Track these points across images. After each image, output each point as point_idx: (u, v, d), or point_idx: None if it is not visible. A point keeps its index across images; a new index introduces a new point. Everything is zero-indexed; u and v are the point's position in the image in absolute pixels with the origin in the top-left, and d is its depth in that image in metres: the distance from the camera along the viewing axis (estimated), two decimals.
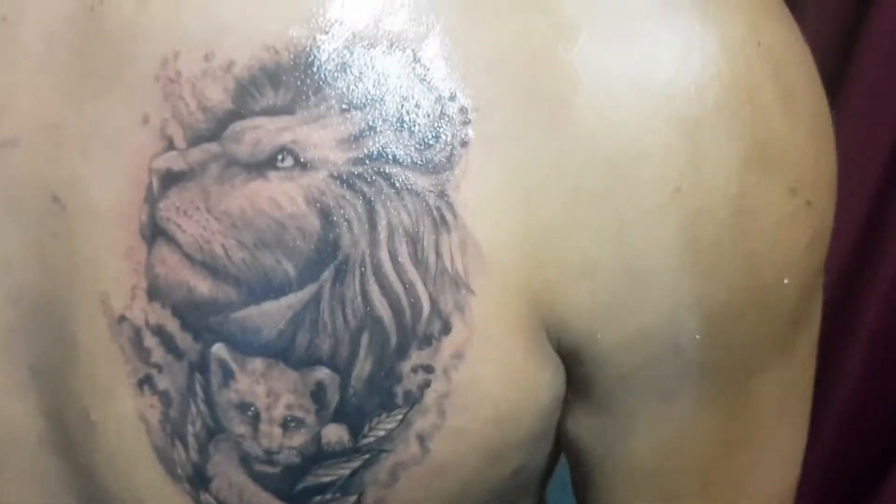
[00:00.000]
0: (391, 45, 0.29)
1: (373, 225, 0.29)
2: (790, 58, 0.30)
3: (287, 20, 0.29)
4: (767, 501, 0.36)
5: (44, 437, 0.34)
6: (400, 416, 0.29)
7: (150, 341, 0.30)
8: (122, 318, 0.31)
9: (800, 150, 0.29)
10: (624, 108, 0.28)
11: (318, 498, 0.31)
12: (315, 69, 0.29)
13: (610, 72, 0.28)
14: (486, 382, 0.29)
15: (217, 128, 0.29)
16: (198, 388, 0.30)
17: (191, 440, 0.30)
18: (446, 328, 0.29)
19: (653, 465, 0.34)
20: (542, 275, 0.29)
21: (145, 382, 0.31)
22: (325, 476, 0.30)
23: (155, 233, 0.30)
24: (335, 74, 0.29)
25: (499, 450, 0.31)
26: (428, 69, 0.29)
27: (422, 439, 0.30)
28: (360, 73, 0.29)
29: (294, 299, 0.29)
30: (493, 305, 0.29)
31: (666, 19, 0.28)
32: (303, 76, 0.29)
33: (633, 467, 0.34)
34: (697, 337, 0.30)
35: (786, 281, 0.30)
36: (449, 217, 0.28)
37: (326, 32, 0.29)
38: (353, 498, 0.31)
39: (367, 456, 0.30)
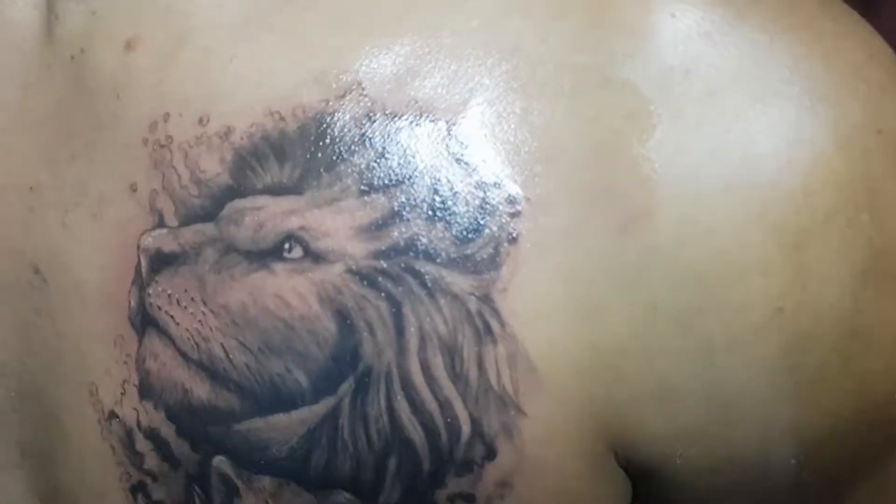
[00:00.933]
0: (420, 116, 0.24)
1: (400, 331, 0.24)
2: None
3: (295, 81, 0.24)
4: None
5: None
6: None
7: (142, 445, 0.27)
8: (113, 415, 0.27)
9: None
10: (714, 215, 0.22)
11: None
12: (328, 141, 0.24)
13: (697, 171, 0.22)
14: None
15: (213, 206, 0.25)
16: (197, 502, 0.26)
17: None
18: (490, 453, 0.24)
19: None
20: (608, 396, 0.24)
21: (139, 490, 0.27)
22: None
23: (145, 322, 0.26)
24: (352, 148, 0.24)
25: None
26: (465, 147, 0.23)
27: None
28: (383, 147, 0.24)
29: (308, 414, 0.25)
30: (548, 428, 0.24)
31: (767, 105, 0.23)
32: (313, 149, 0.24)
33: None
34: (793, 462, 0.25)
35: None
36: (495, 325, 0.23)
37: (342, 97, 0.24)
38: None
39: None
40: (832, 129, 0.23)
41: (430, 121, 0.24)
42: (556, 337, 0.23)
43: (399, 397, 0.24)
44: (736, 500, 0.27)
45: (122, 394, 0.26)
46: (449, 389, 0.24)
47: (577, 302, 0.23)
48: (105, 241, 0.26)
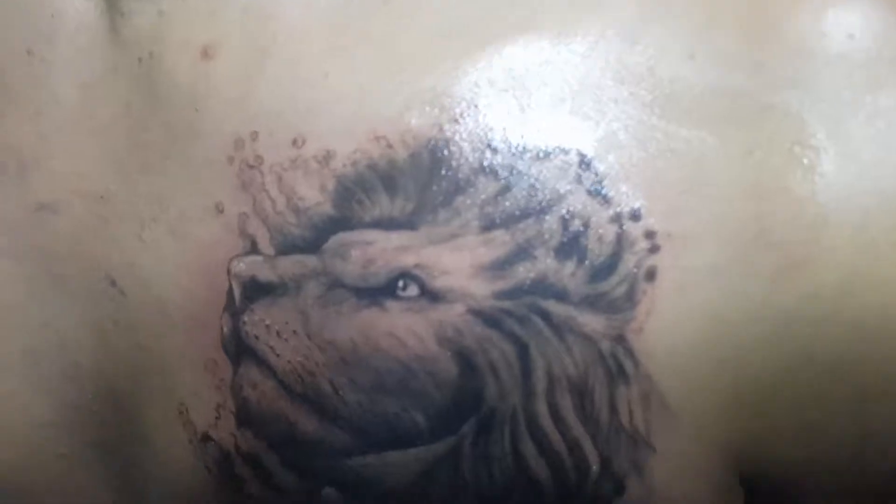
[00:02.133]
0: (550, 144, 0.22)
1: (527, 374, 0.22)
2: None
3: (402, 102, 0.22)
4: None
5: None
6: None
7: (242, 470, 0.26)
8: (207, 438, 0.26)
9: None
10: (885, 265, 0.21)
11: None
12: (444, 172, 0.22)
13: (870, 218, 0.21)
14: None
15: (314, 236, 0.23)
16: None
17: None
18: (619, 489, 0.24)
19: None
20: (747, 434, 0.23)
21: None
22: None
23: (241, 350, 0.25)
24: (472, 180, 0.22)
25: None
26: (600, 178, 0.21)
27: None
28: (507, 178, 0.22)
29: (426, 452, 0.24)
30: (679, 463, 0.23)
31: None
32: (427, 180, 0.22)
33: None
34: None
35: None
36: (628, 367, 0.22)
37: (458, 122, 0.21)
38: None
39: None
40: None
41: (560, 148, 0.22)
42: (694, 378, 0.22)
43: (525, 438, 0.23)
44: None
45: (216, 418, 0.26)
46: (578, 430, 0.23)
47: (720, 344, 0.22)
48: (188, 261, 0.25)
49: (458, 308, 0.22)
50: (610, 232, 0.22)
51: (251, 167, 0.24)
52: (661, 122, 0.22)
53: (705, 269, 0.22)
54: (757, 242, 0.22)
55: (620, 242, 0.22)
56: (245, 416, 0.25)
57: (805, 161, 0.21)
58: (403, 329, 0.23)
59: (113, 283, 0.26)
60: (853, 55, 0.21)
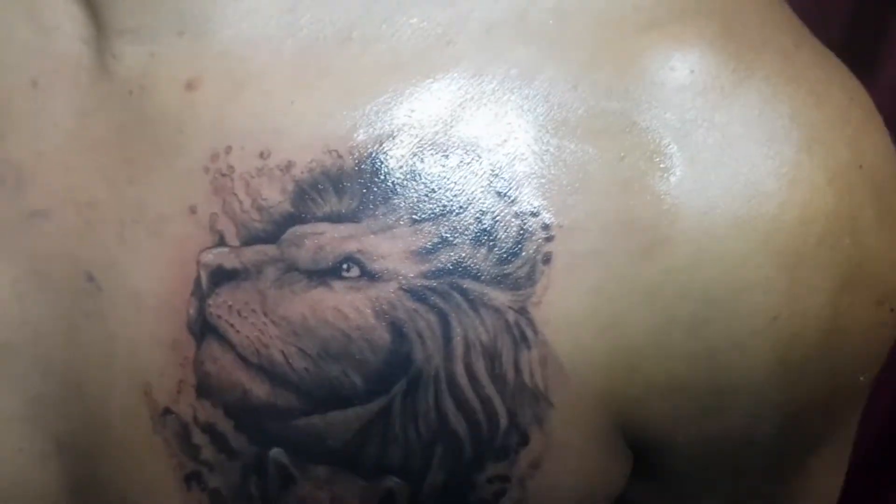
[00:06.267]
0: (465, 154, 0.27)
1: (447, 340, 0.27)
2: (887, 173, 0.28)
3: (351, 124, 0.27)
4: None
5: None
6: None
7: (199, 438, 0.29)
8: (167, 412, 0.29)
9: (891, 263, 0.29)
10: (725, 243, 0.26)
11: None
12: (382, 177, 0.27)
13: (712, 206, 0.26)
14: (561, 489, 0.29)
15: (274, 229, 0.28)
16: (254, 489, 0.29)
17: None
18: (524, 440, 0.28)
19: None
20: (625, 392, 0.28)
21: (192, 479, 0.29)
22: None
23: (205, 329, 0.28)
24: (405, 183, 0.27)
25: None
26: (506, 182, 0.27)
27: None
28: (433, 183, 0.27)
29: (362, 411, 0.28)
30: (571, 417, 0.28)
31: (771, 150, 0.27)
32: (369, 184, 0.27)
33: None
34: (773, 433, 0.30)
35: (861, 378, 0.30)
36: (529, 334, 0.27)
37: (393, 138, 0.27)
38: None
39: None
40: (824, 167, 0.27)
41: (475, 159, 0.27)
42: (583, 342, 0.27)
43: (446, 395, 0.28)
44: (722, 465, 0.31)
45: (178, 392, 0.29)
46: (489, 388, 0.28)
47: (601, 313, 0.27)
48: (163, 255, 0.28)
49: (392, 286, 0.27)
50: (514, 225, 0.27)
51: (223, 175, 0.28)
52: (554, 139, 0.27)
53: (589, 253, 0.27)
54: (628, 229, 0.27)
55: (522, 233, 0.27)
56: (205, 388, 0.28)
57: (662, 165, 0.27)
58: (346, 304, 0.27)
59: (90, 279, 0.29)
60: (694, 85, 0.27)
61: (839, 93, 0.28)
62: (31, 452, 0.32)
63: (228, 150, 0.28)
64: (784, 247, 0.27)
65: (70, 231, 0.30)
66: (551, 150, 0.27)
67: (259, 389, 0.28)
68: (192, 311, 0.28)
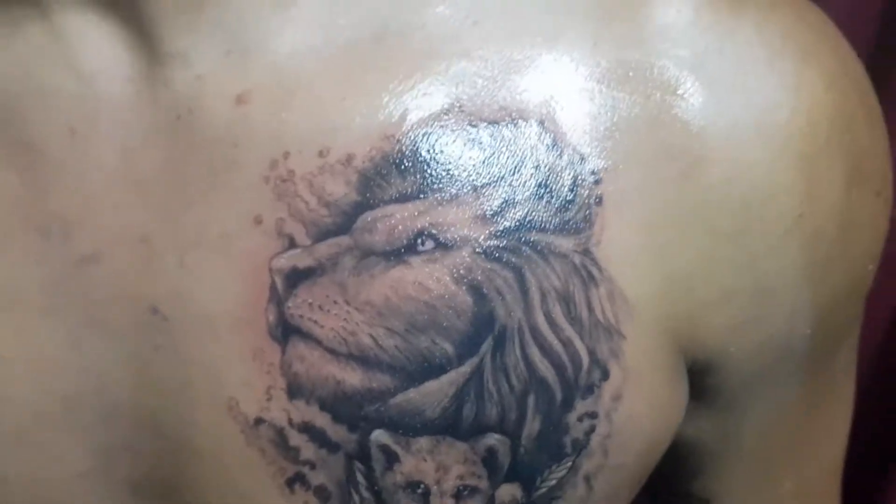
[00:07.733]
0: (513, 119, 0.29)
1: (524, 292, 0.29)
2: (864, 77, 0.33)
3: (402, 110, 0.29)
4: (835, 461, 0.40)
5: None
6: (569, 464, 0.31)
7: (296, 440, 0.30)
8: (259, 421, 0.30)
9: (881, 157, 0.33)
10: (751, 153, 0.30)
11: None
12: (440, 152, 0.29)
13: (735, 123, 0.30)
14: (640, 418, 0.31)
15: (345, 220, 0.29)
16: (359, 477, 0.30)
17: None
18: (605, 374, 0.30)
19: (756, 444, 0.37)
20: (682, 312, 0.31)
21: (296, 481, 0.30)
22: None
23: (287, 332, 0.29)
24: (462, 154, 0.29)
25: (643, 476, 0.33)
26: (553, 135, 0.29)
27: (588, 480, 0.31)
28: (487, 149, 0.29)
29: (455, 375, 0.29)
30: (641, 347, 0.30)
31: (774, 66, 0.30)
32: (429, 160, 0.29)
33: (741, 449, 0.37)
34: (808, 332, 0.33)
35: (870, 267, 0.34)
36: (595, 272, 0.30)
37: (444, 115, 0.29)
38: None
39: None
40: (820, 77, 0.31)
41: (521, 121, 0.30)
42: (641, 273, 0.30)
43: (531, 345, 0.30)
44: (767, 379, 0.34)
45: (267, 399, 0.30)
46: (569, 330, 0.30)
47: (654, 243, 0.30)
48: (231, 271, 0.29)
49: (466, 251, 0.29)
50: (566, 174, 0.30)
51: (284, 181, 0.29)
52: (586, 91, 0.30)
53: (634, 188, 0.30)
54: (664, 158, 0.30)
55: (574, 180, 0.30)
56: (296, 389, 0.29)
57: (685, 96, 0.30)
58: (426, 276, 0.29)
59: (155, 311, 0.30)
60: (700, 21, 0.30)
61: (815, 14, 0.32)
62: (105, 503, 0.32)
63: (286, 155, 0.29)
64: (800, 149, 0.30)
65: (124, 270, 0.30)
66: (585, 101, 0.30)
67: (352, 377, 0.29)
68: (271, 319, 0.29)
